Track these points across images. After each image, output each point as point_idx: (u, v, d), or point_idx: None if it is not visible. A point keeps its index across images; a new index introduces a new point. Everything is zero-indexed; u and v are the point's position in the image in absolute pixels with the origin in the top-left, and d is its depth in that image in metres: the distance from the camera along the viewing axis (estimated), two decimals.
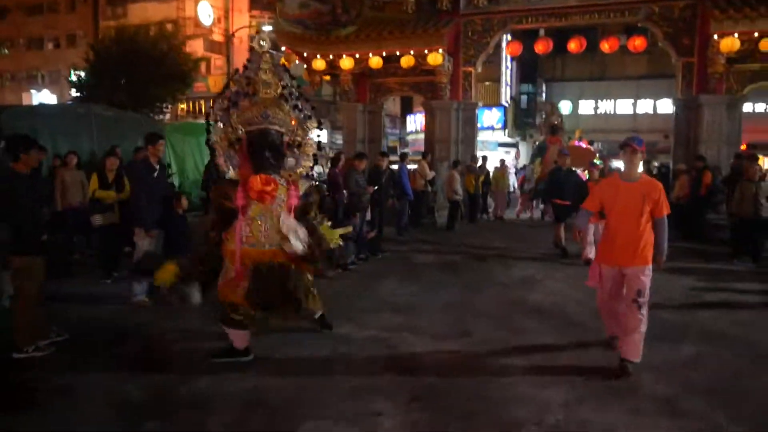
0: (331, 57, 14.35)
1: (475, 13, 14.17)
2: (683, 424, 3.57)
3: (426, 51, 13.52)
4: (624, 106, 26.98)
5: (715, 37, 11.85)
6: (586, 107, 27.70)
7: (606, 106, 27.22)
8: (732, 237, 9.61)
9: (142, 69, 18.46)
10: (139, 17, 35.04)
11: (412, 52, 13.63)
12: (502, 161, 17.73)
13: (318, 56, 14.40)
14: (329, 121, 37.04)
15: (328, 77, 15.82)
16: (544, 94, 28.56)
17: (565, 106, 27.36)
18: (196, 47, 30.58)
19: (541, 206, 15.83)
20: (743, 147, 13.86)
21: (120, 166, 7.17)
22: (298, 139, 4.67)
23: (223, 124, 4.56)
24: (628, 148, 4.46)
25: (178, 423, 3.55)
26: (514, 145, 29.14)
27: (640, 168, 4.64)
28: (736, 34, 11.64)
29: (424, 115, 26.13)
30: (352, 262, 8.30)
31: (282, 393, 3.98)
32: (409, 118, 31.16)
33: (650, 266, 4.43)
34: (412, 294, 6.87)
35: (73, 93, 32.54)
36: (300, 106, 4.70)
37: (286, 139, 4.58)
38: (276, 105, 4.55)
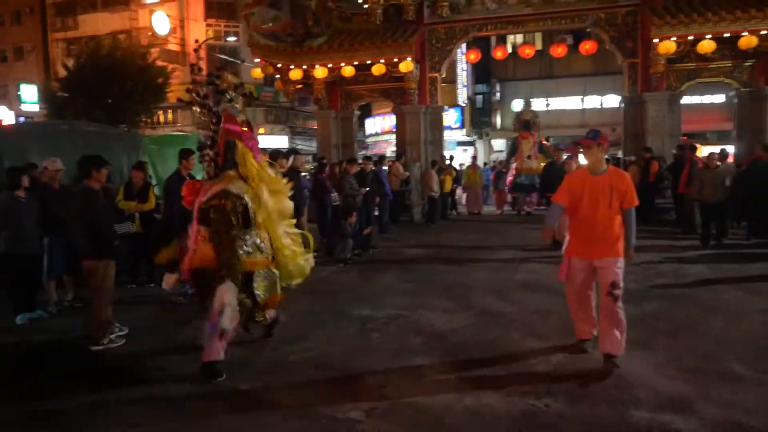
0: (305, 67, 15.21)
1: (439, 23, 15.32)
2: (652, 355, 4.72)
3: (396, 59, 14.56)
4: (573, 103, 28.73)
5: (655, 40, 13.31)
6: (537, 105, 29.15)
7: (556, 103, 28.87)
8: (702, 222, 10.15)
9: (119, 84, 18.86)
10: (90, 29, 34.79)
11: (382, 61, 14.64)
12: (474, 158, 18.95)
13: (293, 67, 15.25)
14: (288, 127, 37.74)
15: (300, 86, 16.66)
16: (498, 94, 30.07)
17: (518, 105, 28.91)
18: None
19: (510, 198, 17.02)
20: (684, 138, 15.45)
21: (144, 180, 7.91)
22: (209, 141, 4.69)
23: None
24: (583, 144, 4.57)
25: (266, 383, 4.44)
26: (471, 144, 30.60)
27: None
28: (673, 38, 13.13)
29: (384, 118, 27.23)
30: (350, 257, 9.25)
31: (338, 358, 4.92)
32: (368, 121, 32.18)
33: (622, 258, 4.50)
34: (412, 280, 7.89)
35: (28, 108, 32.18)
36: (209, 105, 4.67)
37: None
38: (194, 107, 4.73)
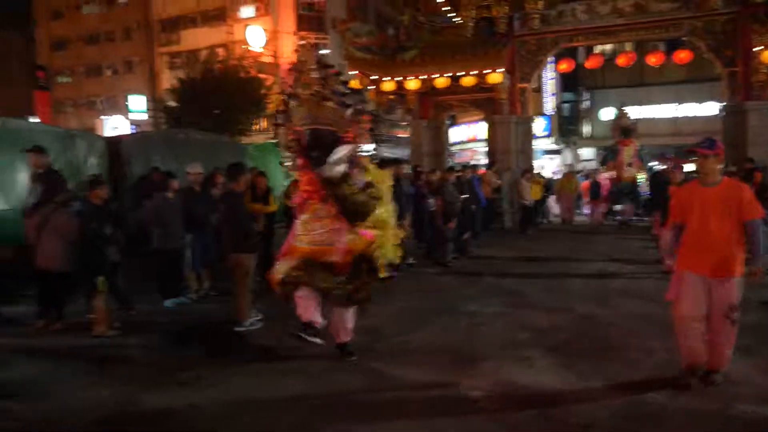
0: (398, 79, 15.98)
1: (529, 34, 15.64)
2: (756, 359, 5.00)
3: (487, 71, 15.02)
4: (666, 111, 27.99)
5: (757, 48, 13.07)
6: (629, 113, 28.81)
7: (648, 111, 28.17)
8: None
9: (226, 96, 20.54)
10: (191, 43, 37.46)
11: (474, 73, 15.14)
12: (570, 166, 18.91)
13: (386, 79, 16.05)
14: (374, 134, 38.90)
15: (393, 96, 17.45)
16: (587, 102, 29.80)
17: (607, 113, 28.48)
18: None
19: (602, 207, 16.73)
20: None
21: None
22: (352, 134, 4.86)
23: (285, 128, 5.04)
24: (698, 153, 4.31)
25: (391, 364, 5.07)
26: (558, 152, 30.42)
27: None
28: None
29: (468, 126, 27.55)
30: (450, 260, 9.82)
31: (453, 346, 5.51)
32: (453, 130, 32.60)
33: (740, 278, 4.27)
34: (512, 283, 8.36)
35: (136, 117, 35.06)
36: (347, 102, 4.85)
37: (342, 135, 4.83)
38: (318, 104, 4.82)
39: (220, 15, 36.56)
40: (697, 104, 27.16)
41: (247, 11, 36.14)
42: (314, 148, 4.81)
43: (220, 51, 34.91)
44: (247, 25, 34.51)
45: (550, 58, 18.14)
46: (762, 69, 13.35)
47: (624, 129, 16.57)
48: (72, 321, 6.43)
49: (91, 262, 6.17)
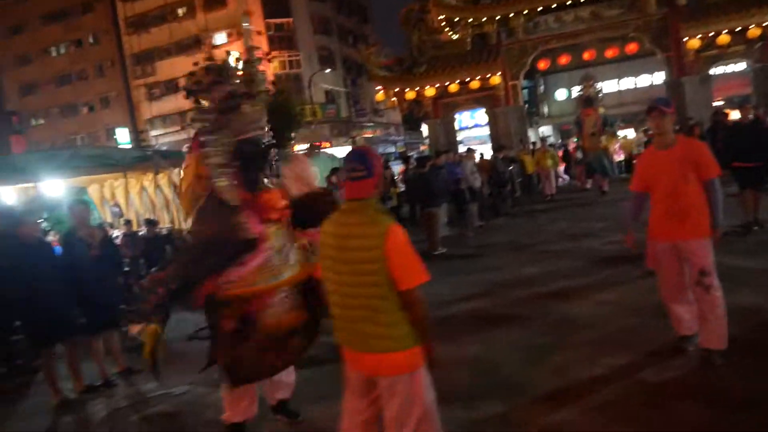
0: (416, 89, 20.93)
1: (515, 42, 20.94)
2: None
3: (488, 75, 20.19)
4: (610, 86, 34.15)
5: (685, 39, 18.79)
6: (576, 91, 34.85)
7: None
8: None
9: (274, 117, 24.79)
10: (166, 73, 41.02)
11: (478, 78, 20.28)
12: (543, 140, 23.51)
13: (407, 90, 20.98)
14: (351, 138, 43.62)
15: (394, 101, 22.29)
16: (542, 87, 35.64)
17: (561, 94, 34.34)
18: None
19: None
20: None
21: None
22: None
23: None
24: (655, 111, 4.26)
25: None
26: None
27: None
28: (698, 36, 18.59)
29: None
30: (506, 212, 14.90)
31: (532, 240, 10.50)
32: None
33: (708, 239, 4.25)
34: (553, 215, 13.45)
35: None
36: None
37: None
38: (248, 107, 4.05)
39: (194, 44, 40.32)
40: (634, 77, 33.47)
41: (220, 37, 40.11)
42: (256, 159, 4.15)
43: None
44: (227, 52, 38.43)
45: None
46: (689, 53, 19.05)
47: (587, 99, 17.42)
48: None
49: None
